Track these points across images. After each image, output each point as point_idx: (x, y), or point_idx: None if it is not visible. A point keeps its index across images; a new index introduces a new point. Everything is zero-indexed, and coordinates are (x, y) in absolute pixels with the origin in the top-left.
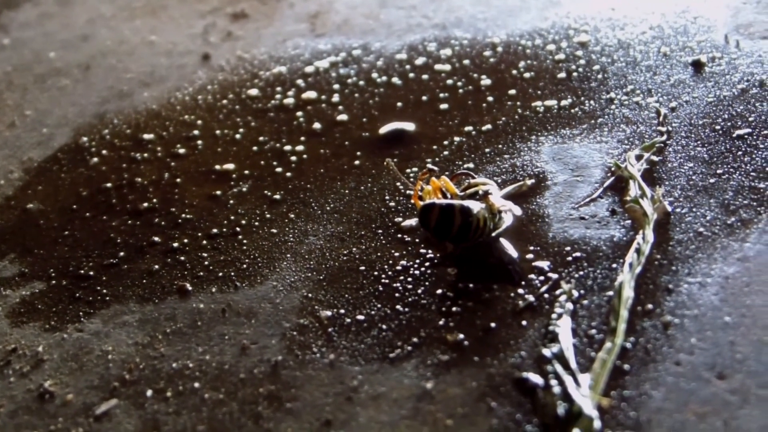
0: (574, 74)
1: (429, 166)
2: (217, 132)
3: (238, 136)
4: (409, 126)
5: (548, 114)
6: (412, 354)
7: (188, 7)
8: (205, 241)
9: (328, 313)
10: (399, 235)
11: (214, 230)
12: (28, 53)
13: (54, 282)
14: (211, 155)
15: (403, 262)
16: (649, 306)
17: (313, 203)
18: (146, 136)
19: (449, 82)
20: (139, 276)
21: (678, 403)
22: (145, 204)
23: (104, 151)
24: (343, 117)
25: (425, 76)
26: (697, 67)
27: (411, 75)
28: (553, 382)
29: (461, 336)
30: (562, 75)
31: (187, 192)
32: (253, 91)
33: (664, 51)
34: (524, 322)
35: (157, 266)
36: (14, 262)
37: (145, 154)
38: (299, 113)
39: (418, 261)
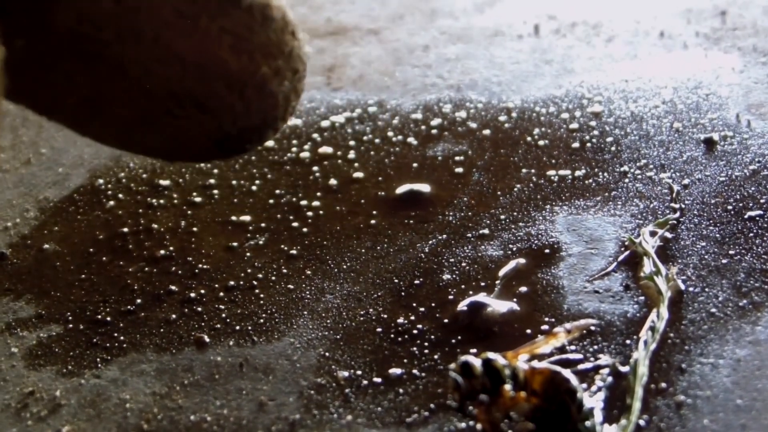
0: (588, 145)
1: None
2: (234, 182)
3: (254, 187)
4: (425, 187)
5: (563, 184)
6: (428, 420)
7: None
8: (222, 293)
9: (345, 373)
10: (415, 299)
11: (231, 282)
12: None
13: (71, 326)
14: (228, 205)
15: (420, 326)
16: (663, 384)
17: (330, 261)
18: (163, 182)
19: (464, 144)
20: (157, 325)
21: None
22: (162, 251)
23: (121, 195)
24: (359, 174)
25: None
26: (710, 145)
27: (426, 135)
28: None
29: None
30: (576, 145)
31: (204, 242)
32: (269, 143)
33: (677, 127)
34: None
35: (174, 316)
36: (31, 303)
37: (162, 201)
38: (315, 168)
39: (434, 326)
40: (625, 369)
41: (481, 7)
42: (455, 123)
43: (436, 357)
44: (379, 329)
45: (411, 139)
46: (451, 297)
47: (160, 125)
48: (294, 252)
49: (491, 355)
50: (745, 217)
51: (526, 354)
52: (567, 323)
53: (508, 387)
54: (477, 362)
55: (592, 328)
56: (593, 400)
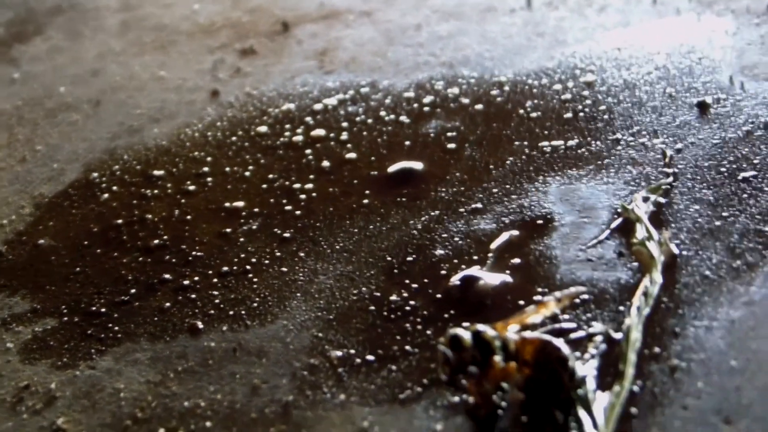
0: (581, 114)
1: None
2: (227, 169)
3: (247, 173)
4: (418, 165)
5: (555, 154)
6: (422, 395)
7: (197, 42)
8: (215, 279)
9: (339, 353)
10: (408, 276)
11: (225, 268)
12: (38, 87)
13: (66, 319)
14: (221, 192)
15: (413, 302)
16: (656, 349)
17: (323, 242)
18: (156, 173)
19: (457, 120)
20: (151, 313)
21: None
22: (156, 241)
23: (115, 187)
24: (351, 155)
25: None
26: (703, 109)
27: (419, 113)
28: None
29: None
30: (569, 115)
31: (198, 229)
32: (263, 128)
33: (670, 92)
34: None
35: (168, 304)
36: (26, 298)
37: (156, 191)
38: (308, 151)
39: (426, 301)
40: (618, 336)
41: None
42: (447, 100)
43: (428, 332)
44: (372, 307)
45: (403, 118)
46: (444, 272)
47: None
48: (287, 235)
49: (481, 326)
50: (739, 178)
51: (517, 324)
52: (557, 292)
53: (498, 358)
54: (466, 334)
55: (585, 296)
56: (586, 368)
